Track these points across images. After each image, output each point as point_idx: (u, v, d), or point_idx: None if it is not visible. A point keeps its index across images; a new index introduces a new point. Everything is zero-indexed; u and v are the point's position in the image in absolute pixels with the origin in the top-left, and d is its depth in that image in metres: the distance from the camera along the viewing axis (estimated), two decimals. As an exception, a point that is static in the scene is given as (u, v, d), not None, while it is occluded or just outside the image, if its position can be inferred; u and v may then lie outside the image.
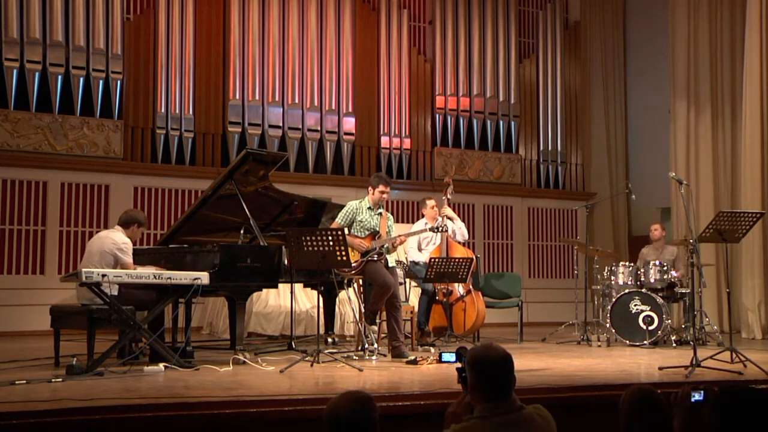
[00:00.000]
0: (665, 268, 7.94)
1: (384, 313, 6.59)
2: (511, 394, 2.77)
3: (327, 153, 10.68)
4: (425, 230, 7.39)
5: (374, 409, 2.66)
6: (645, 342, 7.54)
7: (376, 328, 6.92)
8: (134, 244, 6.13)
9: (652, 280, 7.92)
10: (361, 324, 6.66)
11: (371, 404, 2.67)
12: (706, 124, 10.18)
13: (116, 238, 5.89)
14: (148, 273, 5.62)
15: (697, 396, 3.05)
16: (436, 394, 4.37)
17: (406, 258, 7.94)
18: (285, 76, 10.52)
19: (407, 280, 7.90)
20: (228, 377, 5.15)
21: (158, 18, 9.96)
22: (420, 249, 7.96)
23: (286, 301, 7.80)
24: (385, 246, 6.48)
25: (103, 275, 5.26)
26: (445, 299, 7.61)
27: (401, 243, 6.65)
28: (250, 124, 10.21)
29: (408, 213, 11.06)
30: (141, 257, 6.35)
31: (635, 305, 7.69)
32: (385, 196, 6.59)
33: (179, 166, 9.91)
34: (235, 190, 6.34)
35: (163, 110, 9.83)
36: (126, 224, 6.05)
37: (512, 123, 11.99)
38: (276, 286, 6.83)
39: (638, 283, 8.00)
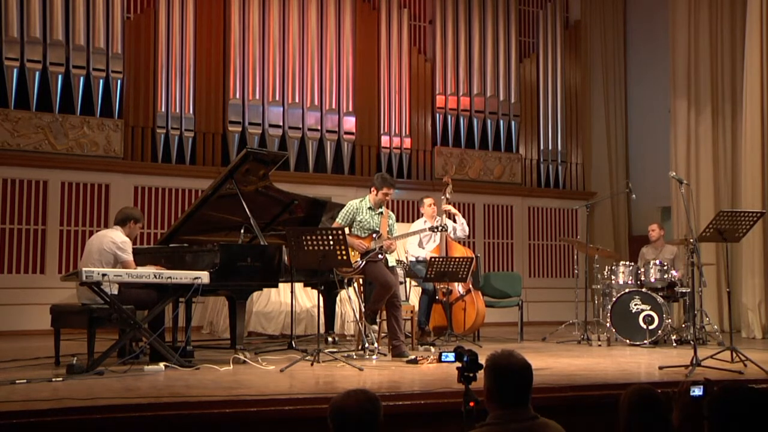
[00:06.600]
0: (665, 267, 7.94)
1: (384, 313, 6.59)
2: (527, 403, 2.76)
3: (327, 152, 10.68)
4: (424, 229, 7.40)
5: (380, 409, 2.66)
6: (645, 341, 7.54)
7: (376, 327, 6.92)
8: (133, 242, 6.12)
9: (652, 280, 7.92)
10: (362, 323, 6.65)
11: (378, 404, 2.67)
12: (706, 123, 10.17)
13: (115, 237, 5.88)
14: (148, 272, 5.62)
15: (696, 391, 3.05)
16: (436, 393, 4.38)
17: (407, 257, 7.94)
18: (285, 75, 10.52)
19: (407, 279, 7.90)
20: (228, 376, 5.16)
21: (158, 17, 9.95)
22: (421, 246, 7.95)
23: (287, 300, 7.80)
24: (382, 246, 6.47)
25: (104, 274, 5.26)
26: (444, 299, 7.62)
27: (392, 251, 6.64)
28: (250, 124, 10.21)
29: (408, 212, 11.06)
30: (141, 256, 6.34)
31: (635, 305, 7.69)
32: (388, 198, 6.60)
33: (179, 165, 9.91)
34: (236, 189, 6.34)
35: (163, 109, 9.83)
36: (123, 222, 6.04)
37: (512, 122, 11.99)
38: (276, 286, 6.83)
39: (638, 282, 8.00)
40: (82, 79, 9.37)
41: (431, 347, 7.02)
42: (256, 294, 7.90)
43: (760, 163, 9.03)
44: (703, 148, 10.16)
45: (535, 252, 12.09)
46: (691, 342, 6.42)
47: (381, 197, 6.55)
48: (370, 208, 6.58)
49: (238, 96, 10.20)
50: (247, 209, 6.34)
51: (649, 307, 7.64)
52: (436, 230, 7.09)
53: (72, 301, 6.35)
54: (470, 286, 7.78)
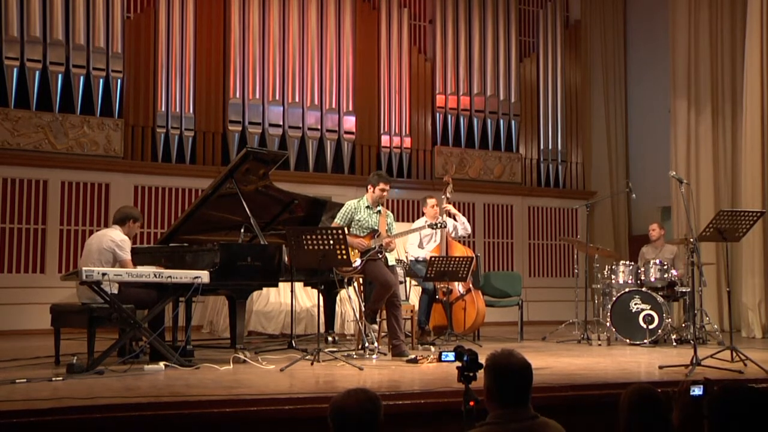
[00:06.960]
0: (665, 267, 7.94)
1: (384, 312, 6.59)
2: (527, 402, 2.76)
3: (327, 152, 10.68)
4: (423, 227, 7.39)
5: (381, 409, 2.65)
6: (645, 341, 7.54)
7: (376, 326, 6.92)
8: (133, 241, 6.12)
9: (652, 279, 7.92)
10: (362, 323, 6.65)
11: (378, 403, 2.66)
12: (706, 123, 10.18)
13: (114, 236, 5.88)
14: (148, 272, 5.62)
15: (696, 390, 3.06)
16: (436, 392, 4.38)
17: (407, 256, 7.94)
18: (285, 74, 10.52)
19: (407, 278, 7.90)
20: (228, 376, 5.15)
21: (159, 16, 9.96)
22: (421, 246, 7.95)
23: (287, 299, 7.80)
24: (382, 245, 6.47)
25: (104, 274, 5.26)
26: (445, 298, 7.62)
27: (392, 249, 6.63)
28: (250, 123, 10.21)
29: (408, 212, 11.07)
30: (141, 256, 6.35)
31: (635, 304, 7.69)
32: (385, 194, 6.59)
33: (179, 165, 9.92)
34: (236, 188, 6.34)
35: (163, 109, 9.83)
36: (122, 221, 6.04)
37: (512, 122, 11.99)
38: (276, 285, 6.84)
39: (638, 282, 8.00)
40: (82, 78, 9.38)
41: (431, 347, 7.02)
42: (256, 293, 7.91)
43: (760, 163, 9.03)
44: (703, 148, 10.16)
45: (535, 251, 12.09)
46: (691, 341, 6.41)
47: (378, 193, 6.54)
48: (368, 207, 6.58)
49: (238, 95, 10.20)
50: (247, 209, 6.34)
51: (649, 307, 7.63)
52: (435, 227, 7.09)
53: (72, 300, 6.35)
54: (470, 285, 7.78)
